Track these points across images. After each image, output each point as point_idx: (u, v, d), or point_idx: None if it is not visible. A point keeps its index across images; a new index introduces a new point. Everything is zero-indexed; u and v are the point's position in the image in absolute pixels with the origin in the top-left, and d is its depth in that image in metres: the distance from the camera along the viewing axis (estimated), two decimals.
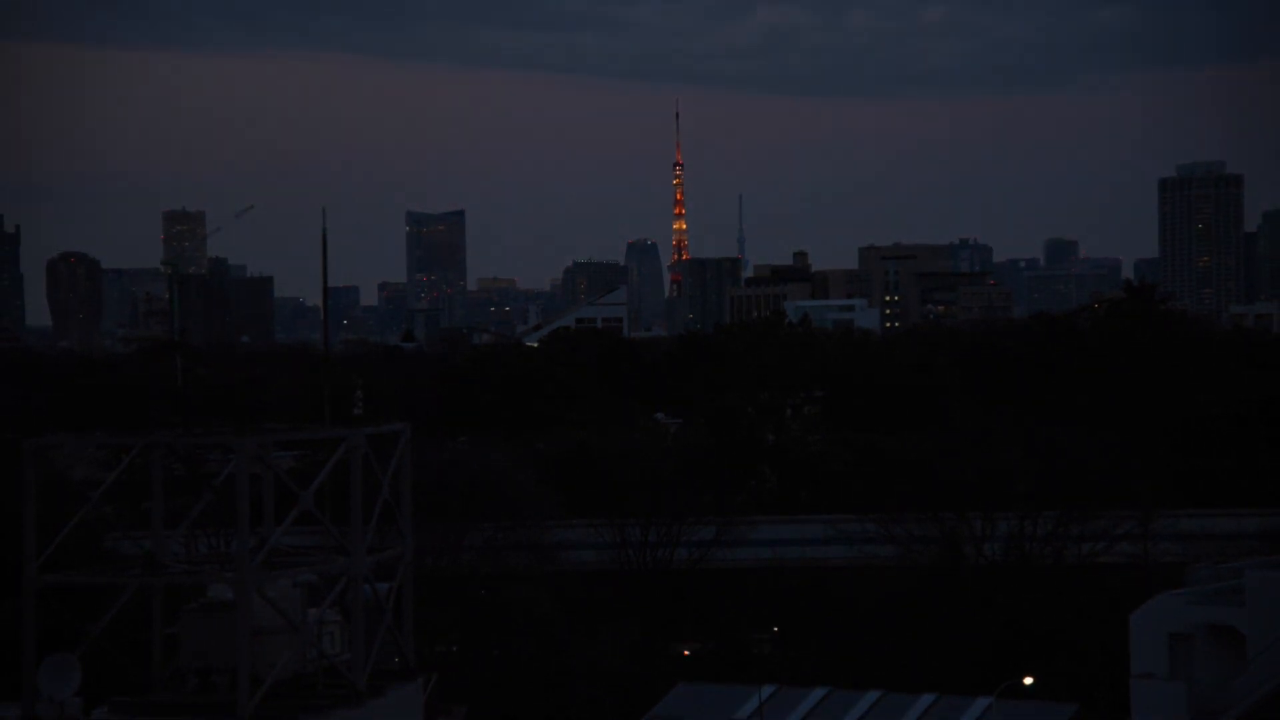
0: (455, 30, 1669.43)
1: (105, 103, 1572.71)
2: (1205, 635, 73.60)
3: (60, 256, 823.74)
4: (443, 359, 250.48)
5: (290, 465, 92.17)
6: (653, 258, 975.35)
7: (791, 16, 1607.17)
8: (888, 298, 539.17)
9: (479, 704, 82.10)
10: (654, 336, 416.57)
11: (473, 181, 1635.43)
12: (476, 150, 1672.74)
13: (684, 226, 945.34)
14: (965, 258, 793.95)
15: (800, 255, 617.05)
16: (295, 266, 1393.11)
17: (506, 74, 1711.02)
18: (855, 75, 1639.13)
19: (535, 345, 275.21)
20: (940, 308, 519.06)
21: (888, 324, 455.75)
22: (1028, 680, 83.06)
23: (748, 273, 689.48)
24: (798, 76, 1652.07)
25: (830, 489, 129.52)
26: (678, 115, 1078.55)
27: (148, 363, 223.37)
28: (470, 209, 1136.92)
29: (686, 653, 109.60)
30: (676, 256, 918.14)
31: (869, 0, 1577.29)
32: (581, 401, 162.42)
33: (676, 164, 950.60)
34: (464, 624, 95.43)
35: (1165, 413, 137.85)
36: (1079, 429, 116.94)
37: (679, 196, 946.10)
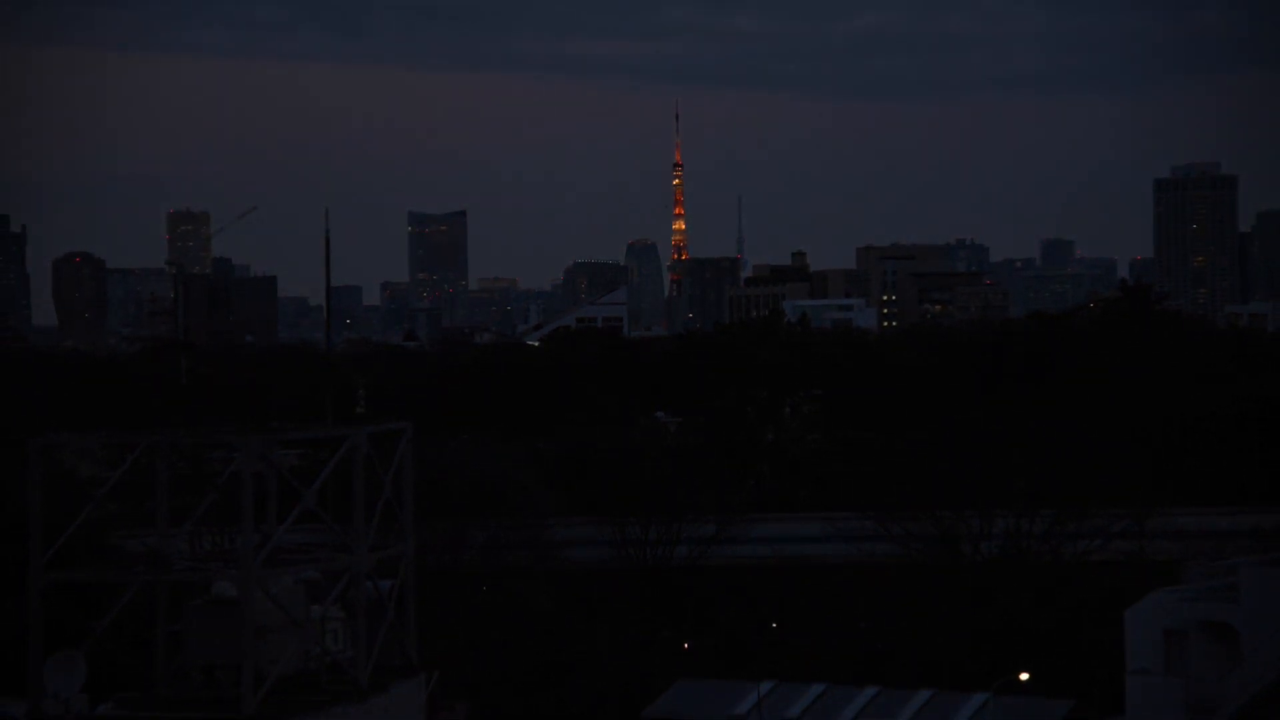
0: (459, 34, 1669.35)
1: (110, 104, 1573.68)
2: (1200, 632, 74.08)
3: (66, 256, 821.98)
4: (445, 358, 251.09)
5: (293, 464, 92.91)
6: (653, 258, 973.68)
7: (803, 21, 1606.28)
8: (885, 297, 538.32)
9: (480, 700, 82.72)
10: (654, 336, 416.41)
11: (474, 182, 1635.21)
12: (477, 151, 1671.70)
13: (684, 227, 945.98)
14: (962, 258, 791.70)
15: (799, 255, 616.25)
16: (299, 266, 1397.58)
17: (508, 77, 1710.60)
18: (855, 78, 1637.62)
19: (536, 344, 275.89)
20: (938, 307, 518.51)
21: (885, 323, 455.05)
22: (1024, 676, 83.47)
23: (747, 273, 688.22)
24: (802, 77, 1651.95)
25: (828, 487, 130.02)
26: (677, 116, 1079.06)
27: (152, 362, 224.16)
28: (471, 209, 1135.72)
29: (686, 645, 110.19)
30: (676, 256, 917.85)
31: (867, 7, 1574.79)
32: (581, 401, 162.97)
33: (676, 164, 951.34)
34: (465, 621, 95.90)
35: (1161, 411, 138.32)
36: (1075, 427, 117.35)
37: (679, 197, 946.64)
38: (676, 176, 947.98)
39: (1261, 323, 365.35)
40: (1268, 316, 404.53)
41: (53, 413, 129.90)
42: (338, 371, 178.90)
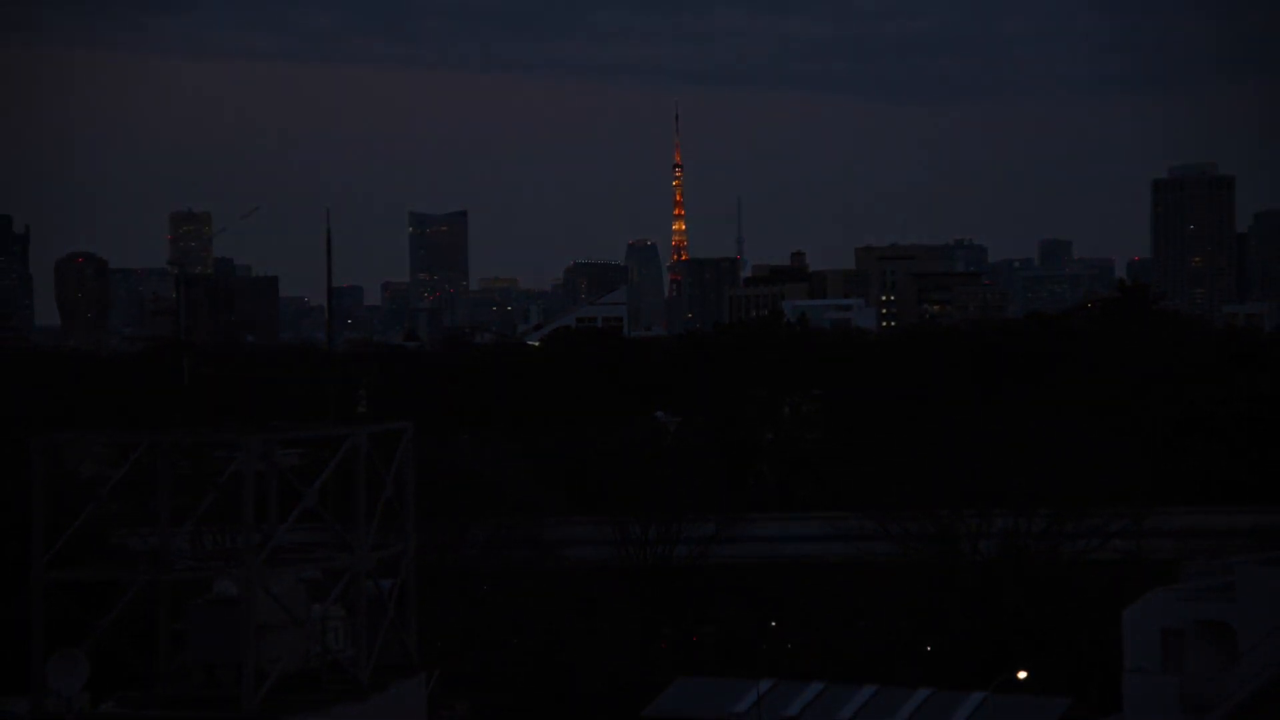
0: (457, 35, 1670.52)
1: (112, 105, 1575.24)
2: (1197, 630, 74.28)
3: (68, 257, 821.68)
4: (445, 358, 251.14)
5: (294, 463, 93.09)
6: (653, 258, 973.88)
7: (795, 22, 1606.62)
8: (884, 297, 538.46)
9: (480, 700, 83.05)
10: (654, 336, 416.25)
11: (475, 182, 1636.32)
12: (478, 151, 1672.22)
13: (683, 227, 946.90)
14: (961, 258, 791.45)
15: (798, 255, 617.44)
16: (300, 267, 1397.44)
17: (508, 77, 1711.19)
18: (856, 80, 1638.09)
19: (537, 344, 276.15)
20: (936, 307, 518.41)
21: (884, 323, 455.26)
22: (1022, 675, 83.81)
23: (746, 273, 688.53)
24: (801, 76, 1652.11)
25: (828, 487, 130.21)
26: (677, 116, 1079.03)
27: (154, 362, 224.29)
28: (472, 209, 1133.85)
29: (695, 638, 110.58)
30: (676, 257, 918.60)
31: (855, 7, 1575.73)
32: (582, 400, 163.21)
33: (676, 164, 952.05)
34: (466, 620, 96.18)
35: (1158, 411, 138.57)
36: (1074, 427, 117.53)
37: (678, 197, 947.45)
38: (676, 176, 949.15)
39: (1258, 322, 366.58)
40: (1265, 316, 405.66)
41: (55, 412, 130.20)
42: (339, 371, 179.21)
